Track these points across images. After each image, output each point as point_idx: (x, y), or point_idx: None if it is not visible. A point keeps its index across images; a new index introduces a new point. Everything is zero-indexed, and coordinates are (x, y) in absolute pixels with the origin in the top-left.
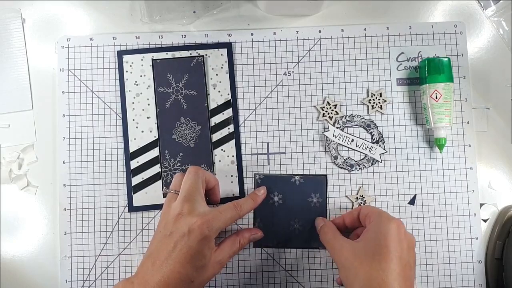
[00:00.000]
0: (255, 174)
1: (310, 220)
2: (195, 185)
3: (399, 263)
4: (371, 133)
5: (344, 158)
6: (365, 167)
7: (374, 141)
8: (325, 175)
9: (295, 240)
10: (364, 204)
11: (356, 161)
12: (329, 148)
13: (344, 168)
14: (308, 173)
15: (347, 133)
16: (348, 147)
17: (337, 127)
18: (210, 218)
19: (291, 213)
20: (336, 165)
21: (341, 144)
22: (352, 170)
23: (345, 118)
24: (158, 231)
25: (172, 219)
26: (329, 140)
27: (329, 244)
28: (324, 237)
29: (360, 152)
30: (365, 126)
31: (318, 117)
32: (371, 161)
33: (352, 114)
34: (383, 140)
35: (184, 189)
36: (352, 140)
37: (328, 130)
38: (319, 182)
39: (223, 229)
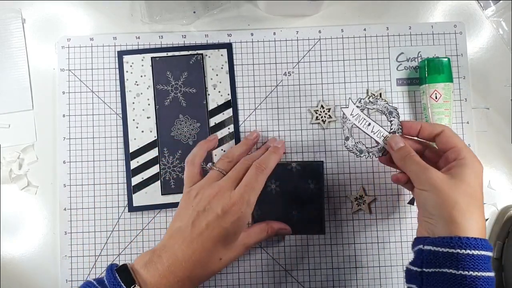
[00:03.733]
0: None
1: (308, 206)
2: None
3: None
4: (391, 121)
5: (355, 141)
6: (375, 156)
7: (391, 131)
8: (322, 161)
9: (294, 226)
10: (364, 204)
11: (367, 148)
12: (342, 126)
13: (353, 152)
14: (303, 160)
15: (366, 114)
16: (363, 131)
17: (357, 106)
18: (245, 196)
19: (289, 200)
20: (346, 146)
21: (356, 126)
22: (361, 156)
23: (369, 98)
24: (189, 204)
25: (208, 196)
26: (346, 117)
27: (415, 165)
28: (406, 159)
29: (374, 139)
30: (387, 112)
31: (311, 121)
32: (382, 151)
33: (378, 95)
34: (400, 132)
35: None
36: (369, 124)
37: (347, 107)
38: (315, 169)
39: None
